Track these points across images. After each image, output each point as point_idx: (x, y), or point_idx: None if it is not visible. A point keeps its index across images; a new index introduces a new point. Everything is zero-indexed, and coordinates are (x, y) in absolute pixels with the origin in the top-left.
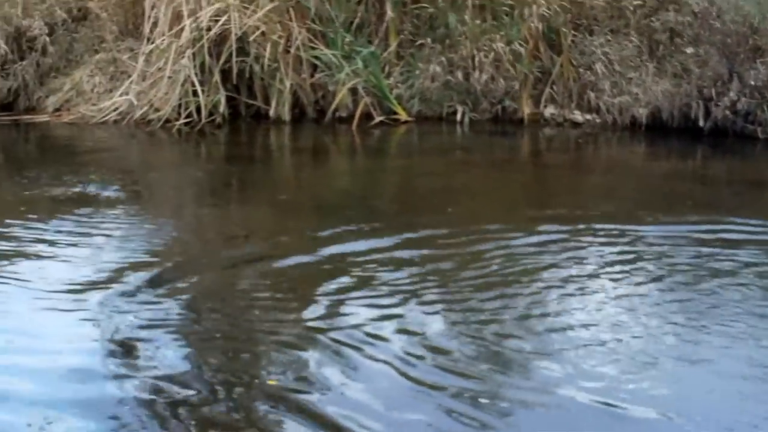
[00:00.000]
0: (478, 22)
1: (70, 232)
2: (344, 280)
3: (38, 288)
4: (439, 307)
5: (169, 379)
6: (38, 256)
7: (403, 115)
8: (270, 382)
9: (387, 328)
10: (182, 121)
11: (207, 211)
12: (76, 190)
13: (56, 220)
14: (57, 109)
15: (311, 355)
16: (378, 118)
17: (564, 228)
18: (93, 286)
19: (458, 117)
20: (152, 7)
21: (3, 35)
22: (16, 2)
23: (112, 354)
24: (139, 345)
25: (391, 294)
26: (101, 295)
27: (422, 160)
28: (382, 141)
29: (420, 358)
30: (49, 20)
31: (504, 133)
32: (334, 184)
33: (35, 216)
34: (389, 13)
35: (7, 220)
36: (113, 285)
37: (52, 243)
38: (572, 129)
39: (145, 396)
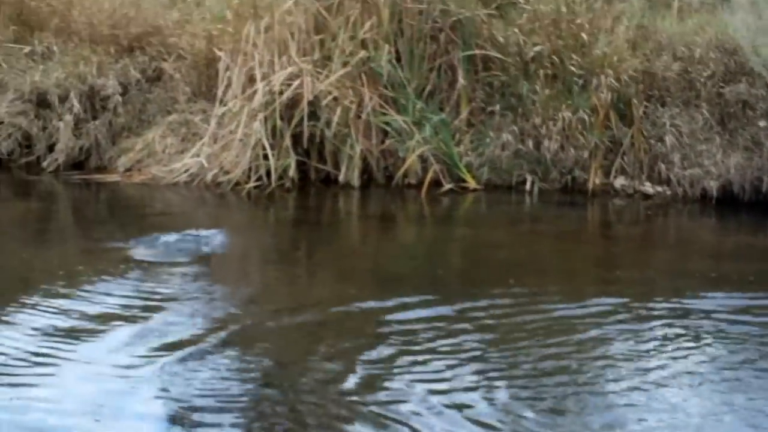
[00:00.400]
0: (548, 91)
1: (124, 297)
2: (398, 349)
3: (76, 357)
4: (490, 380)
5: None
6: (85, 324)
7: (472, 183)
8: None
9: (435, 401)
10: (252, 184)
11: (271, 275)
12: (140, 250)
13: (110, 283)
14: (128, 169)
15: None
16: (447, 186)
17: (627, 302)
18: (137, 352)
19: (527, 186)
20: (226, 70)
21: (77, 94)
22: (91, 61)
23: None
24: (179, 419)
25: (442, 365)
26: (143, 363)
27: (489, 229)
28: (450, 209)
29: None
30: (123, 80)
31: (573, 204)
32: (400, 251)
33: (92, 277)
34: (461, 80)
35: (57, 285)
36: (160, 353)
37: (100, 310)
38: (642, 200)
39: None
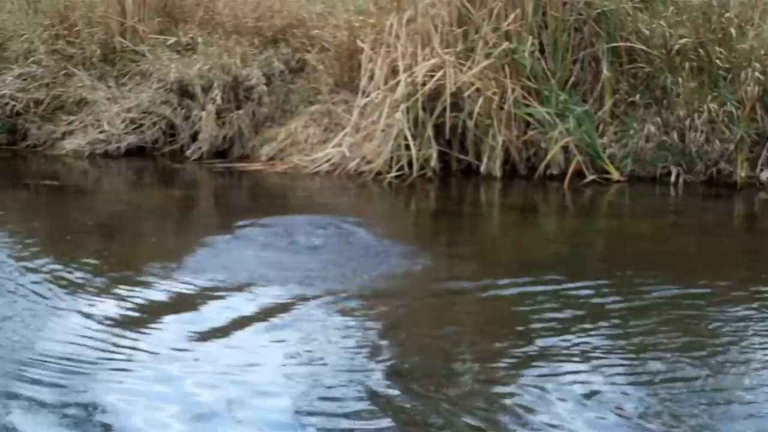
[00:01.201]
0: (693, 84)
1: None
2: (539, 339)
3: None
4: (628, 373)
5: None
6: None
7: (615, 175)
8: None
9: (574, 394)
10: (394, 174)
11: (412, 263)
12: (274, 236)
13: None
14: (270, 158)
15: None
16: (590, 177)
17: None
18: (265, 344)
19: (672, 178)
20: (369, 61)
21: (221, 84)
22: (235, 52)
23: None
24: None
25: (583, 357)
26: (273, 354)
27: (632, 221)
28: (593, 201)
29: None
30: (267, 71)
31: (718, 197)
32: (541, 242)
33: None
34: (605, 72)
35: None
36: (292, 344)
37: (226, 296)
38: None
39: None
